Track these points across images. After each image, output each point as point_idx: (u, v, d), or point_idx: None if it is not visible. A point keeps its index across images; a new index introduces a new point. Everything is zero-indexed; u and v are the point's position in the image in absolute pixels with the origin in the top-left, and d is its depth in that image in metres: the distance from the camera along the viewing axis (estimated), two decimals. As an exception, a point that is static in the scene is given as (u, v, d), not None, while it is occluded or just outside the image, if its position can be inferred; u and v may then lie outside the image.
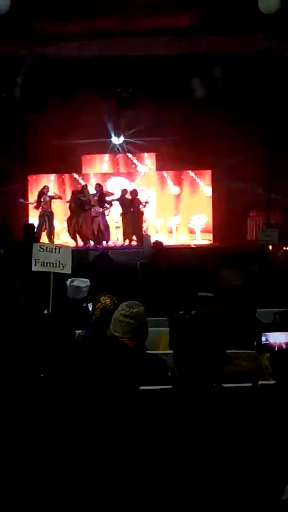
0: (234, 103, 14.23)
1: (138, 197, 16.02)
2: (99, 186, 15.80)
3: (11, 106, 14.01)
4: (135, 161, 17.54)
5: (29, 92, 13.11)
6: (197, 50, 12.97)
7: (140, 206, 15.90)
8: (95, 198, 15.60)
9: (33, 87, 13.12)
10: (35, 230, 14.37)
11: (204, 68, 13.20)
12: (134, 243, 15.81)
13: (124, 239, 15.92)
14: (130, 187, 16.63)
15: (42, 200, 15.56)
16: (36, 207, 15.71)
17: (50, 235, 15.48)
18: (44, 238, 15.06)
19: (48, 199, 15.59)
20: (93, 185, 16.35)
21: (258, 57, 12.80)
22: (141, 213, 15.94)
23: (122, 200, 15.83)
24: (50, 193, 15.85)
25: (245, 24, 11.67)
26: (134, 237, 15.84)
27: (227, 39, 12.73)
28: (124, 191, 15.97)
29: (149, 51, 13.03)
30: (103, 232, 15.74)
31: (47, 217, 15.53)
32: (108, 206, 15.88)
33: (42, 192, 15.68)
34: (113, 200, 15.90)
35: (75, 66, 13.30)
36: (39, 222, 15.45)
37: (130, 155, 17.43)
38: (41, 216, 15.57)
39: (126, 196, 15.86)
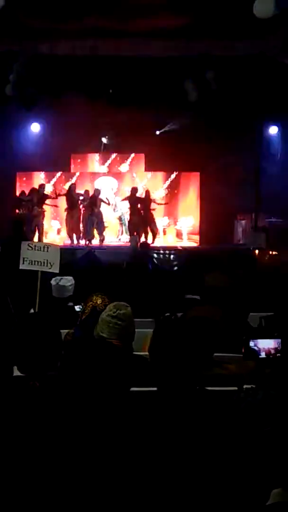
0: (225, 106, 14.27)
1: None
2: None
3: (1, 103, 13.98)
4: (123, 161, 17.56)
5: (21, 89, 13.06)
6: (190, 52, 12.99)
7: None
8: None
9: (25, 85, 13.08)
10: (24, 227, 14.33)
11: (196, 71, 13.23)
12: (122, 243, 15.83)
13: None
14: (116, 187, 16.69)
15: (35, 199, 15.54)
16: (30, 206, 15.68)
17: (41, 234, 15.47)
18: (35, 238, 15.06)
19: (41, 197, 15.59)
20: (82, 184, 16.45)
21: (251, 61, 12.85)
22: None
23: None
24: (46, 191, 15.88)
25: (240, 28, 11.72)
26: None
27: (220, 42, 12.78)
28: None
29: (142, 52, 13.05)
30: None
31: (38, 216, 15.53)
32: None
33: (37, 190, 15.67)
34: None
35: (67, 65, 13.28)
36: (32, 221, 15.42)
37: (119, 155, 17.45)
38: (34, 216, 15.54)
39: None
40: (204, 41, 12.82)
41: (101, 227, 15.74)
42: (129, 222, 16.11)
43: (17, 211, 15.60)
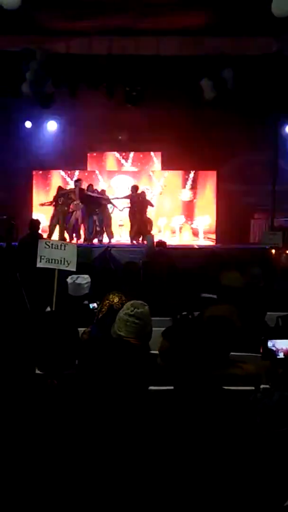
0: (242, 105, 14.22)
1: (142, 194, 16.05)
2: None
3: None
4: (140, 159, 17.56)
5: (37, 88, 13.10)
6: (207, 51, 12.95)
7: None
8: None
9: (42, 83, 13.11)
10: (41, 226, 14.38)
11: (213, 69, 13.18)
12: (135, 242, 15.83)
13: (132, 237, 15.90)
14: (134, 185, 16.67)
15: (59, 200, 15.58)
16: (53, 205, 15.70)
17: (62, 233, 15.52)
18: (55, 236, 15.11)
19: (63, 199, 15.61)
20: (99, 182, 16.49)
21: (268, 59, 12.78)
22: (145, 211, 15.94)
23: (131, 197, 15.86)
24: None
25: (257, 26, 11.67)
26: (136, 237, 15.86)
27: (237, 41, 12.73)
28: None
29: (158, 51, 13.02)
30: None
31: (62, 215, 15.56)
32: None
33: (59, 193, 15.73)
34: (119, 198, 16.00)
35: (84, 63, 13.29)
36: (53, 220, 15.50)
37: (136, 153, 17.46)
38: (54, 216, 15.59)
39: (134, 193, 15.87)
40: (221, 40, 12.78)
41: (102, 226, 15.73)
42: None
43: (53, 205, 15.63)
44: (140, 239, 15.49)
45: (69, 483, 2.34)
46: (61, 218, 15.40)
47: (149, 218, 15.95)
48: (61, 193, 15.62)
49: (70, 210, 15.48)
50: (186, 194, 17.27)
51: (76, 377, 2.91)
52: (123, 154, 17.50)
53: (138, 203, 15.68)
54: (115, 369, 2.72)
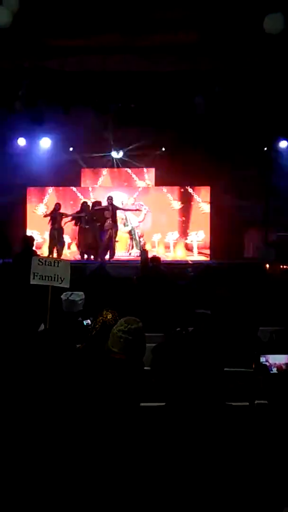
0: (235, 120, 14.30)
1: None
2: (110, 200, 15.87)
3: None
4: (134, 176, 17.61)
5: (30, 105, 13.15)
6: (199, 67, 13.03)
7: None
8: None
9: (35, 100, 13.16)
10: (34, 242, 14.44)
11: (205, 85, 13.27)
12: (132, 257, 15.84)
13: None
14: (129, 201, 16.74)
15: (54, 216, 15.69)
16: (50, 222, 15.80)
17: (60, 250, 15.60)
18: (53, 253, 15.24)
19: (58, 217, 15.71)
20: (91, 199, 16.54)
21: (260, 76, 12.87)
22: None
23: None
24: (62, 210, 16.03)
25: (249, 44, 11.75)
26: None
27: (229, 58, 12.81)
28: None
29: (151, 68, 13.09)
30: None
31: (57, 232, 15.65)
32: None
33: (55, 209, 15.79)
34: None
35: (77, 80, 13.36)
36: (50, 237, 15.67)
37: (129, 170, 17.52)
38: (51, 232, 15.69)
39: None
40: (214, 56, 12.86)
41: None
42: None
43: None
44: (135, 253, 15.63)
45: (66, 495, 2.33)
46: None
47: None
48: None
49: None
50: (175, 205, 17.29)
51: (70, 392, 2.90)
52: (116, 170, 17.54)
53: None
54: (106, 386, 2.71)
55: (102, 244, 15.58)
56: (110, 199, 15.83)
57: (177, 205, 17.31)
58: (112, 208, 15.62)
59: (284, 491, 2.19)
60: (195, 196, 17.29)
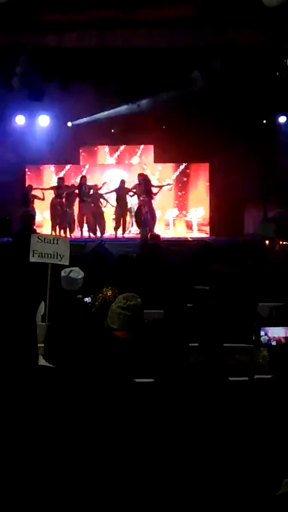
0: (233, 96, 14.20)
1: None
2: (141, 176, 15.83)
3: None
4: (133, 152, 17.53)
5: (28, 82, 13.04)
6: (197, 42, 12.91)
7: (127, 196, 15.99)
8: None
9: (32, 77, 13.05)
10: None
11: (203, 60, 13.15)
12: (132, 234, 15.82)
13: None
14: (128, 178, 16.64)
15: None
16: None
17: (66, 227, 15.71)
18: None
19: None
20: (92, 176, 16.57)
21: (258, 50, 12.75)
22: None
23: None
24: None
25: (247, 17, 11.64)
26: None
27: (227, 31, 12.69)
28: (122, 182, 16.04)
29: (149, 43, 12.98)
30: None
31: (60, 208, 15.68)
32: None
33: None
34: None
35: (75, 56, 13.23)
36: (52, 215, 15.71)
37: (128, 147, 17.42)
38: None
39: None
40: (211, 30, 12.73)
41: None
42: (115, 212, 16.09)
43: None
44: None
45: (64, 474, 2.35)
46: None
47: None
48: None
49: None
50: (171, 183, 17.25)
51: (69, 370, 2.91)
52: (116, 147, 17.45)
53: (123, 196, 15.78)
54: (103, 363, 2.72)
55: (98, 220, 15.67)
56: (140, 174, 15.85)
57: (172, 183, 17.22)
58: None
59: (284, 463, 2.21)
60: (194, 173, 17.21)
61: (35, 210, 15.91)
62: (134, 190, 15.67)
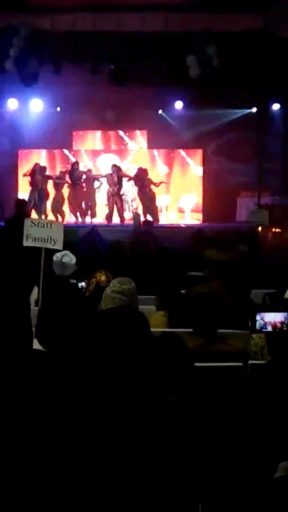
0: (227, 82, 14.14)
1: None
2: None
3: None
4: (126, 138, 17.46)
5: (21, 65, 12.92)
6: (192, 27, 12.82)
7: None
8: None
9: (26, 60, 12.93)
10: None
11: (198, 46, 13.07)
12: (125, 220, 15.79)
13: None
14: (122, 164, 16.57)
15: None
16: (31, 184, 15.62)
17: (41, 212, 15.39)
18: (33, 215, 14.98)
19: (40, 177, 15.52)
20: (84, 161, 16.46)
21: (253, 36, 12.69)
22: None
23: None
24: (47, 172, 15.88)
25: (241, 2, 11.57)
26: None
27: (222, 17, 12.61)
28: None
29: (144, 28, 12.88)
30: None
31: (37, 194, 15.48)
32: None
33: (34, 170, 15.61)
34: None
35: (68, 40, 13.12)
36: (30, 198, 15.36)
37: (121, 132, 17.36)
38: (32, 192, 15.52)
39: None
40: (205, 16, 12.65)
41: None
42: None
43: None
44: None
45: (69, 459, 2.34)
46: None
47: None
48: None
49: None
50: (165, 168, 17.18)
51: (66, 355, 2.91)
52: (109, 132, 17.38)
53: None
54: (97, 346, 2.71)
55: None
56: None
57: (168, 168, 17.18)
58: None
59: (280, 446, 2.22)
60: (187, 159, 17.17)
61: (48, 192, 15.74)
62: (106, 180, 15.63)
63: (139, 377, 2.32)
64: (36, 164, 15.88)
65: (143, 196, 15.76)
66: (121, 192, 16.00)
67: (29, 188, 15.70)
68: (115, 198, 15.57)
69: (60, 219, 15.04)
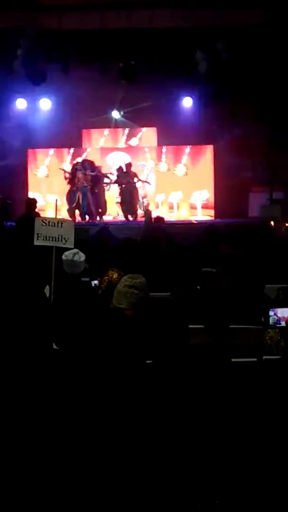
0: (237, 77, 14.06)
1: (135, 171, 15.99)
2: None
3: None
4: (135, 135, 17.42)
5: (29, 65, 12.92)
6: (200, 23, 12.77)
7: (135, 179, 15.87)
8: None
9: (34, 60, 12.93)
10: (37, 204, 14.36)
11: (207, 41, 13.02)
12: (131, 218, 15.75)
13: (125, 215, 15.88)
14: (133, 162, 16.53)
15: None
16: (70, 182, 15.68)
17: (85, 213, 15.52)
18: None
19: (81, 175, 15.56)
20: (94, 160, 16.48)
21: (262, 30, 12.61)
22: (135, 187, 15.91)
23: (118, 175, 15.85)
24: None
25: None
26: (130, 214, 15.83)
27: (231, 12, 12.55)
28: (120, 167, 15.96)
29: (152, 24, 12.85)
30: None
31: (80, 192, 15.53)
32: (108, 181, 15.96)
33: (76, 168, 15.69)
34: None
35: (76, 39, 13.11)
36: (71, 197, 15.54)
37: (130, 130, 17.32)
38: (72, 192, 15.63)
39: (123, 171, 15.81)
40: (214, 11, 12.60)
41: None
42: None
43: None
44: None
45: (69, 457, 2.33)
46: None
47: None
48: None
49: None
50: (182, 169, 17.13)
51: (80, 352, 2.88)
52: (118, 130, 17.33)
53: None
54: (113, 342, 2.68)
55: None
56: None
57: (179, 165, 17.13)
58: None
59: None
60: (198, 155, 17.09)
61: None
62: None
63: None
64: (85, 160, 15.98)
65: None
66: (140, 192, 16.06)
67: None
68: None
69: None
